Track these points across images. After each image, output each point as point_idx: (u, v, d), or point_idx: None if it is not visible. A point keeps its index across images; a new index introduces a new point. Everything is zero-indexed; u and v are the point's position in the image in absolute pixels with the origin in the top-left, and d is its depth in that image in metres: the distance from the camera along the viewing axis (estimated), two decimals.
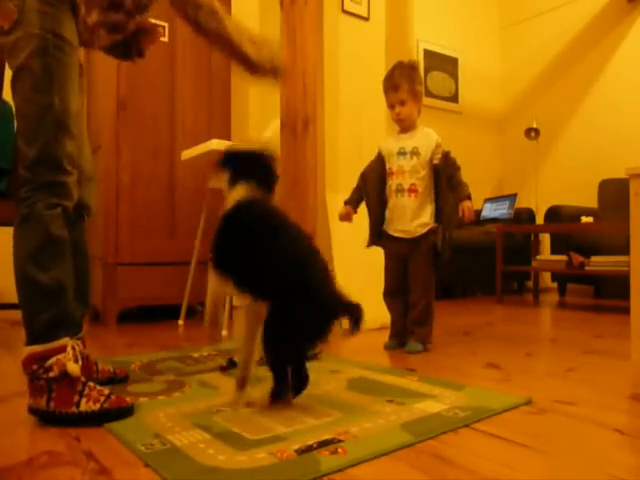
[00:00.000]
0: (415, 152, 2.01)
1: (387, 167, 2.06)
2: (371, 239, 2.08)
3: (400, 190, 2.02)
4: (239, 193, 1.30)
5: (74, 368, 1.16)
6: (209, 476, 0.89)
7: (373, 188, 2.07)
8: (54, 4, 1.21)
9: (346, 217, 2.08)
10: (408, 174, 2.01)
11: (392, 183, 2.04)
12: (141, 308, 2.87)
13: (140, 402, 1.30)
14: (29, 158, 1.20)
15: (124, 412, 1.18)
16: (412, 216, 2.00)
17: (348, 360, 1.80)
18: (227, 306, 2.45)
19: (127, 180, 2.77)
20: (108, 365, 1.51)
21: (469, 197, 2.00)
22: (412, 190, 2.00)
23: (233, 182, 1.32)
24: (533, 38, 5.01)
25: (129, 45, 1.49)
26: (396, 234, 2.04)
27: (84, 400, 1.16)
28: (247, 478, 0.88)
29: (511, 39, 5.22)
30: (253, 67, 1.59)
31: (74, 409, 1.15)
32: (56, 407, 1.15)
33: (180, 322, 2.73)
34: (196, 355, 1.89)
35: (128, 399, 1.23)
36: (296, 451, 0.98)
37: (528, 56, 5.05)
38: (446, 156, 2.02)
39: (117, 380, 1.49)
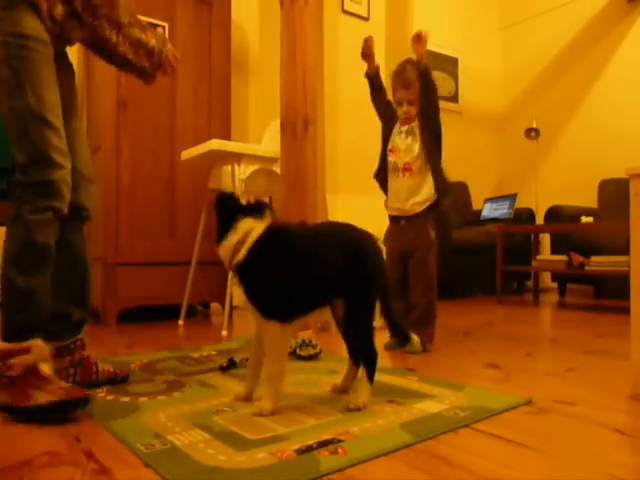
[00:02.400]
0: (410, 131, 2.04)
1: (389, 146, 2.09)
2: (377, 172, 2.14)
3: (395, 169, 2.06)
4: (255, 225, 1.23)
5: (44, 367, 1.22)
6: (209, 476, 0.89)
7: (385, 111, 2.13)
8: (7, 7, 1.22)
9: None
10: (402, 153, 2.04)
11: (390, 161, 2.08)
12: (141, 308, 2.87)
13: (140, 402, 1.30)
14: (21, 162, 1.24)
15: (79, 402, 1.21)
16: (407, 195, 2.03)
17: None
18: (227, 307, 2.45)
19: (127, 180, 2.77)
20: (108, 365, 1.51)
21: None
22: (406, 169, 2.03)
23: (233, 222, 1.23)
24: (533, 38, 5.01)
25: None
26: (393, 213, 2.08)
27: (40, 393, 1.18)
28: (247, 478, 0.88)
29: (511, 39, 5.22)
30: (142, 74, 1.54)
31: (31, 402, 1.17)
32: (14, 402, 1.18)
33: (180, 322, 2.73)
34: (196, 355, 1.89)
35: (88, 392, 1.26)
36: (296, 451, 0.98)
37: (528, 56, 5.05)
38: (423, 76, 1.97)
39: (117, 380, 1.49)
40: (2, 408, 1.20)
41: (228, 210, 1.25)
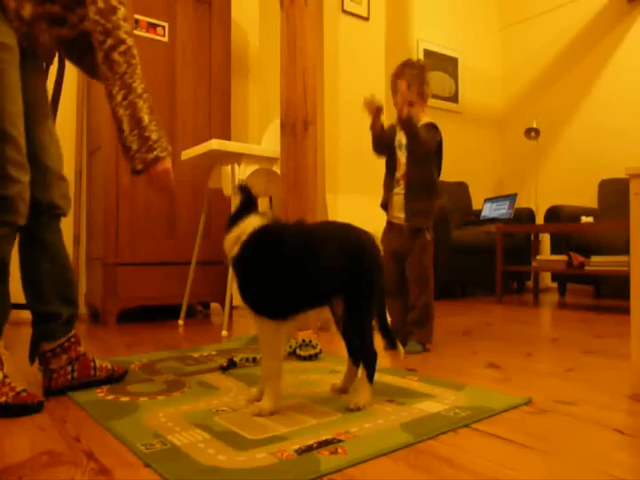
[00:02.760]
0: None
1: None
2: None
3: (396, 180, 2.07)
4: (252, 222, 1.25)
5: None
6: (209, 476, 0.89)
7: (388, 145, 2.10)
8: None
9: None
10: (403, 166, 2.04)
11: (396, 174, 2.08)
12: (141, 308, 2.87)
13: (140, 402, 1.30)
14: None
15: (30, 409, 1.22)
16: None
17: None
18: (227, 307, 2.45)
19: (127, 180, 2.77)
20: (106, 362, 1.51)
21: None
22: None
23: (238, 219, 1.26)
24: (533, 38, 5.01)
25: (93, 59, 1.39)
26: (394, 220, 2.09)
27: None
28: (247, 478, 0.88)
29: (511, 39, 5.22)
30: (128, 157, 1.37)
31: None
32: None
33: (180, 322, 2.73)
34: (196, 355, 1.89)
35: (40, 397, 1.27)
36: (296, 451, 0.98)
37: (528, 56, 5.05)
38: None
39: (116, 377, 1.49)
40: None
41: (244, 206, 1.26)
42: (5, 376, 1.24)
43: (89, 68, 1.48)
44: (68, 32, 1.36)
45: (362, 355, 1.31)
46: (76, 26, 1.36)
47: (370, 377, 1.28)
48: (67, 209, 1.46)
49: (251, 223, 1.23)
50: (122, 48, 1.30)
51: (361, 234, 1.32)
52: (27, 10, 1.26)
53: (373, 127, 2.01)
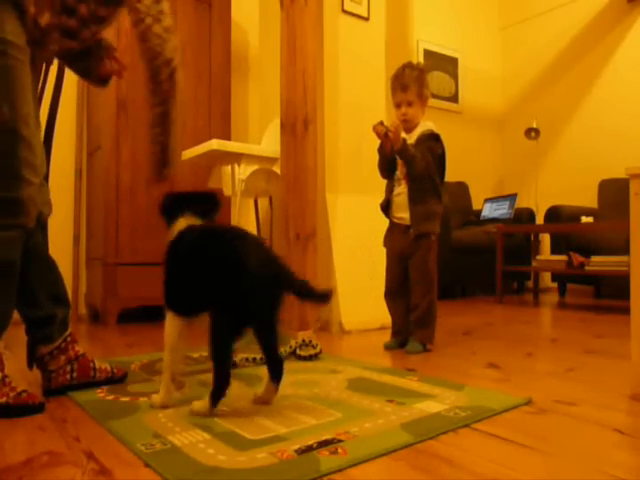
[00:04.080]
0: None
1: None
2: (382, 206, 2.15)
3: (397, 179, 2.07)
4: (179, 225, 1.34)
5: None
6: (209, 476, 0.89)
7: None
8: None
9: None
10: (403, 166, 2.04)
11: (396, 173, 2.08)
12: (141, 308, 2.87)
13: (140, 402, 1.30)
14: None
15: (31, 409, 1.22)
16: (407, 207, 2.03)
17: (348, 360, 1.80)
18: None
19: (127, 180, 2.77)
20: (105, 364, 1.51)
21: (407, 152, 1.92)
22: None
23: (172, 220, 1.36)
24: (533, 38, 5.01)
25: (88, 63, 1.43)
26: (396, 220, 2.08)
27: None
28: (247, 478, 0.88)
29: (511, 39, 5.22)
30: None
31: None
32: None
33: None
34: (196, 355, 1.89)
35: (41, 398, 1.28)
36: (296, 451, 0.98)
37: (528, 56, 5.05)
38: (423, 139, 1.98)
39: (115, 379, 1.49)
40: None
41: (172, 209, 1.37)
42: (6, 376, 1.24)
43: (84, 70, 1.49)
44: (76, 45, 1.38)
45: (214, 370, 1.22)
46: (85, 41, 1.37)
47: (213, 398, 1.19)
48: (48, 214, 1.45)
49: (178, 225, 1.33)
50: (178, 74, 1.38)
51: (249, 255, 1.20)
52: (45, 18, 1.27)
53: (382, 149, 2.02)
